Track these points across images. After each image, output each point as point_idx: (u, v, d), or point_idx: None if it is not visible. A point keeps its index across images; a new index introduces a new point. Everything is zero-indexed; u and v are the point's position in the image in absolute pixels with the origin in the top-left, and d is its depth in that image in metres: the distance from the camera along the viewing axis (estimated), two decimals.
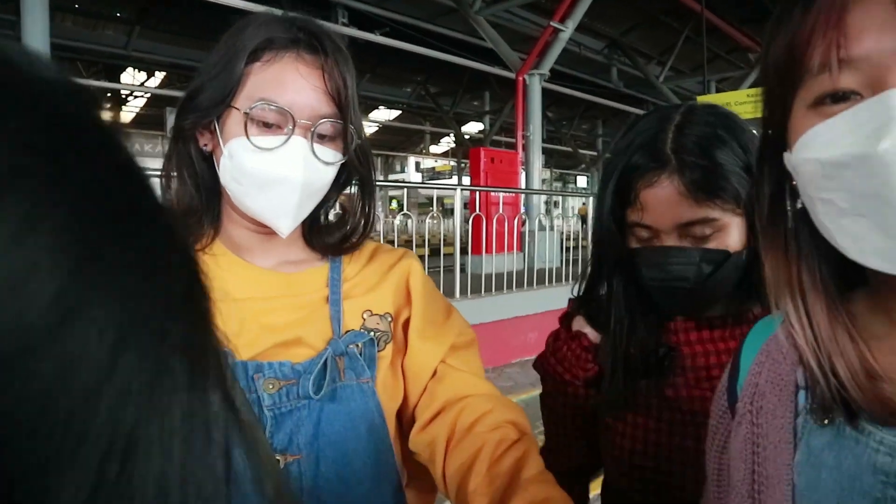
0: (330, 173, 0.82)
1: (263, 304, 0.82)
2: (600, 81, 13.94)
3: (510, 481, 0.77)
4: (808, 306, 0.52)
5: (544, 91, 9.13)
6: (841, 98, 0.46)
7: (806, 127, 0.48)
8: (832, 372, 0.50)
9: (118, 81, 16.68)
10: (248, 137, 0.77)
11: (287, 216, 0.80)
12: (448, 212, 11.76)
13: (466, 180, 16.25)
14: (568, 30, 8.31)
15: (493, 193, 7.12)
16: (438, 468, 0.84)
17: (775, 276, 0.53)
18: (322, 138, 0.80)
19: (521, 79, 8.69)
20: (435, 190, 16.08)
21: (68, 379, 0.22)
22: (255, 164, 0.77)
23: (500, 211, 6.18)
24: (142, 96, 19.27)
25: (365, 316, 0.86)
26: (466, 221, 6.95)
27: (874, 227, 0.45)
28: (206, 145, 0.83)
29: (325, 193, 0.85)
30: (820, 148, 0.47)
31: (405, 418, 0.90)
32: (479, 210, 6.43)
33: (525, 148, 8.73)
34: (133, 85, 17.50)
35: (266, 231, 0.83)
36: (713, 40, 12.18)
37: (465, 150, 17.60)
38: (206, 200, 0.83)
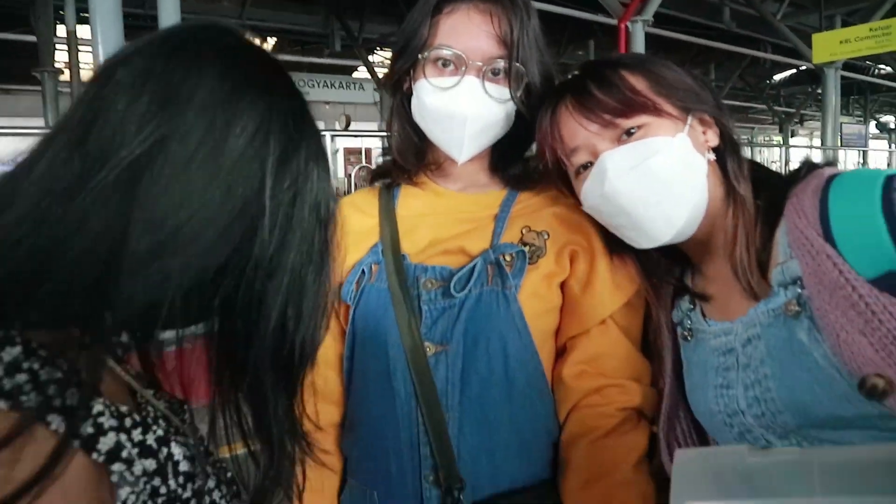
0: (502, 109, 0.94)
1: (437, 218, 1.00)
2: (712, 24, 13.21)
3: (608, 468, 0.91)
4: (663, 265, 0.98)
5: (651, 37, 8.86)
6: (584, 167, 0.89)
7: (579, 188, 0.91)
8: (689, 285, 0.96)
9: None
10: (426, 79, 0.94)
11: (460, 147, 0.94)
12: None
13: None
14: None
15: None
16: (562, 415, 0.97)
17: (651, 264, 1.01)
18: (496, 76, 0.93)
19: (623, 26, 8.47)
20: None
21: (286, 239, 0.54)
22: (433, 101, 0.94)
23: None
24: None
25: (524, 231, 0.97)
26: None
27: (630, 230, 0.88)
28: (410, 92, 1.00)
29: (506, 129, 0.97)
30: (590, 196, 0.88)
31: (560, 338, 0.99)
32: None
33: None
34: None
35: (458, 166, 0.99)
36: None
37: None
38: (418, 138, 1.01)
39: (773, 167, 8.76)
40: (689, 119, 0.85)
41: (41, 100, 10.79)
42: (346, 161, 26.42)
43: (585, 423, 0.93)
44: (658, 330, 0.97)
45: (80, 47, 10.16)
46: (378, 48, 18.04)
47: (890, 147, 24.05)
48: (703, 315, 0.91)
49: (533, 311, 0.94)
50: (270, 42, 17.73)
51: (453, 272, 0.93)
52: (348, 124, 20.71)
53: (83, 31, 10.57)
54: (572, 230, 0.98)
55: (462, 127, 0.92)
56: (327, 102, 20.69)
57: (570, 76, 0.91)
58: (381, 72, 16.91)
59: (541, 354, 0.94)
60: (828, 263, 0.70)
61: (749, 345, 0.80)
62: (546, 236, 0.96)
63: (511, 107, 0.95)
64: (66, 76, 11.21)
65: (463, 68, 0.92)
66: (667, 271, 0.96)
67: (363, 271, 0.97)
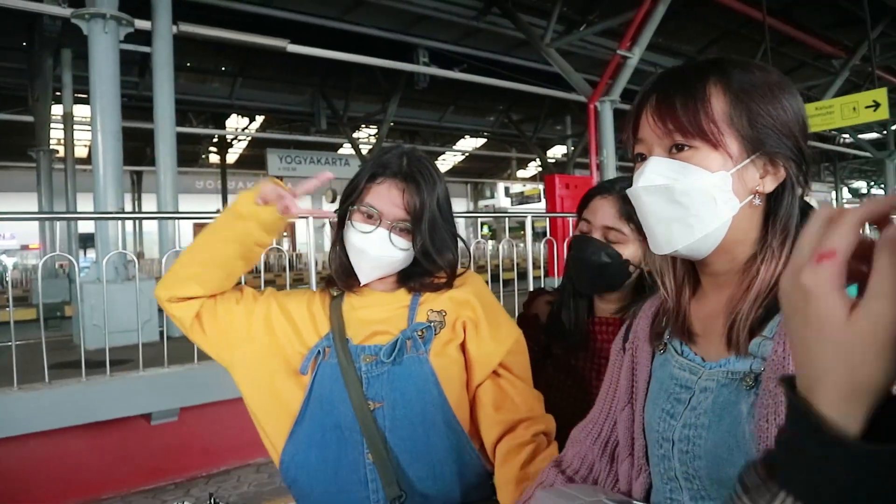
0: (400, 254, 1.27)
1: (367, 310, 1.32)
2: None
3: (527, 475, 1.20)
4: (675, 276, 0.92)
5: (621, 112, 9.36)
6: (641, 157, 0.87)
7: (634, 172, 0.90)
8: (672, 312, 0.91)
9: (223, 127, 18.15)
10: (352, 222, 1.28)
11: (363, 274, 1.28)
12: (539, 235, 12.05)
13: None
14: (635, 56, 8.55)
15: (570, 218, 7.43)
16: (489, 447, 1.26)
17: (659, 261, 0.93)
18: (401, 231, 1.27)
19: (592, 106, 8.98)
20: (528, 215, 16.30)
21: None
22: (354, 239, 1.27)
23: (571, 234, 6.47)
24: (244, 139, 20.74)
25: (428, 313, 1.29)
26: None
27: (645, 229, 0.87)
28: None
29: (405, 264, 1.30)
30: (633, 183, 0.89)
31: (471, 389, 1.28)
32: (554, 234, 6.78)
33: (600, 171, 9.00)
34: (237, 130, 18.92)
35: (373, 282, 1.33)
36: (798, 49, 12.00)
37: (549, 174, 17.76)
38: (341, 278, 1.34)
39: None
40: (749, 159, 0.80)
41: (35, 175, 11.11)
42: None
43: (511, 452, 1.23)
44: (634, 343, 0.99)
45: (74, 127, 10.58)
46: (362, 125, 18.70)
47: None
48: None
49: (440, 367, 1.24)
50: (259, 120, 18.37)
51: (381, 348, 1.25)
52: (334, 199, 21.18)
53: (78, 111, 11.02)
54: (462, 307, 1.30)
55: (368, 261, 1.27)
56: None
57: (677, 67, 0.88)
58: (364, 148, 17.49)
59: (449, 400, 1.23)
60: (788, 363, 0.73)
61: (703, 393, 0.82)
62: (444, 314, 1.29)
63: (408, 253, 1.28)
64: (60, 154, 11.60)
65: (378, 222, 1.26)
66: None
67: (319, 352, 1.27)
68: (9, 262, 17.83)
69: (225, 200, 20.11)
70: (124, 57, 5.58)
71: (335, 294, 1.37)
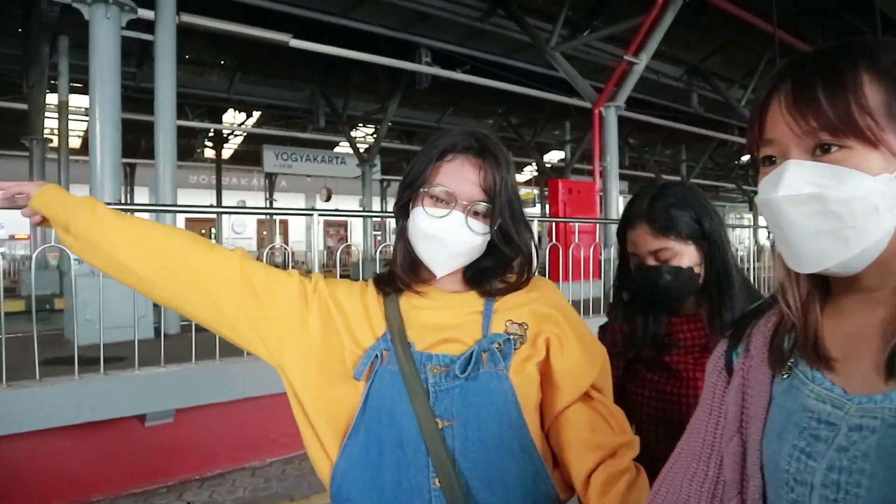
0: (478, 239, 1.13)
1: (433, 312, 1.17)
2: (681, 107, 13.91)
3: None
4: (798, 291, 0.78)
5: (624, 119, 9.30)
6: (770, 161, 0.74)
7: (760, 179, 0.77)
8: (800, 333, 0.76)
9: (220, 122, 17.96)
10: (423, 207, 1.14)
11: (440, 265, 1.14)
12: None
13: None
14: (642, 62, 8.49)
15: (570, 223, 7.36)
16: (580, 475, 1.12)
17: (779, 273, 0.81)
18: (476, 215, 1.13)
19: (597, 111, 8.91)
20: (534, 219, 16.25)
21: None
22: (426, 225, 1.13)
23: (577, 240, 6.40)
24: (240, 134, 20.59)
25: (507, 324, 1.15)
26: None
27: (781, 243, 0.73)
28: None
29: (479, 254, 1.16)
30: (760, 192, 0.76)
31: (552, 412, 1.14)
32: (558, 239, 6.69)
33: (602, 177, 8.93)
34: (233, 124, 18.74)
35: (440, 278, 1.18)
36: None
37: (546, 179, 17.78)
38: (413, 255, 1.19)
39: (745, 245, 9.10)
40: None
41: (28, 165, 10.91)
42: (325, 233, 26.74)
43: (610, 481, 1.08)
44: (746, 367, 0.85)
45: (69, 116, 10.41)
46: (361, 124, 18.57)
47: None
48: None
49: (519, 386, 1.10)
50: (256, 116, 18.20)
51: (454, 359, 1.10)
52: (329, 197, 21.07)
53: (73, 101, 10.83)
54: (545, 321, 1.17)
55: (445, 248, 1.13)
56: (309, 175, 21.08)
57: (810, 53, 0.74)
58: (362, 147, 17.36)
59: (527, 421, 1.10)
60: None
61: (858, 432, 0.67)
62: (525, 327, 1.16)
63: (485, 238, 1.15)
64: (53, 143, 11.40)
65: (453, 204, 1.12)
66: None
67: (376, 356, 1.12)
68: None
69: (219, 195, 19.93)
70: (122, 46, 5.43)
71: (388, 291, 1.21)
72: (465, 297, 1.19)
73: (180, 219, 21.87)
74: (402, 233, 1.20)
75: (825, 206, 0.68)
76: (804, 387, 0.74)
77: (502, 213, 1.14)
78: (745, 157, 23.24)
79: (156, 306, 5.30)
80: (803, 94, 0.69)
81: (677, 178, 21.75)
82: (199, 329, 4.48)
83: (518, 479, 1.09)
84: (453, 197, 1.12)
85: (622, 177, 9.26)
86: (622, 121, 9.25)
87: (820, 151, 0.69)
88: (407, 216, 1.19)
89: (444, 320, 1.16)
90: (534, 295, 1.20)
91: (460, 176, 1.13)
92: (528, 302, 1.19)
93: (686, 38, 11.08)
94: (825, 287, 0.78)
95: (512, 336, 1.14)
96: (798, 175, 0.69)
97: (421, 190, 1.15)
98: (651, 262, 1.38)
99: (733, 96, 13.24)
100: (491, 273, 1.20)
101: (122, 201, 13.37)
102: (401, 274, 1.19)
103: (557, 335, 1.16)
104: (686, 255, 1.36)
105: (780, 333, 0.80)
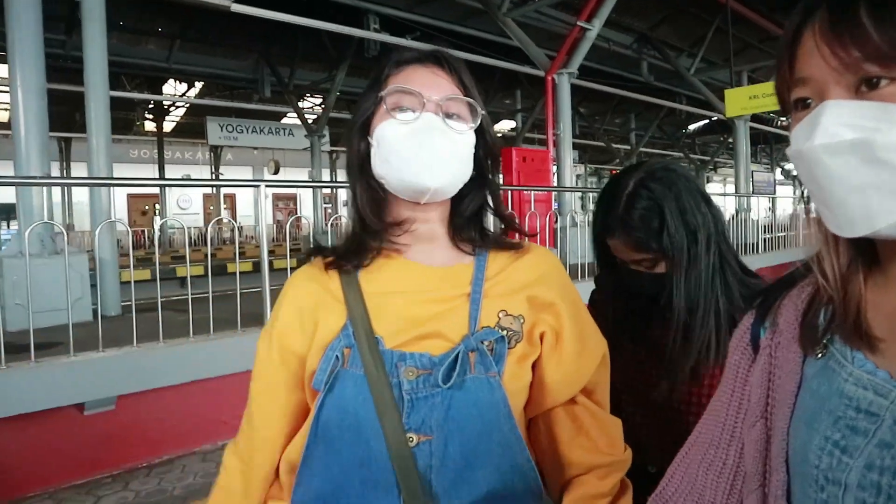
0: (462, 143, 0.94)
1: (407, 297, 0.93)
2: (631, 76, 13.92)
3: None
4: (838, 260, 0.65)
5: (575, 87, 9.22)
6: (804, 103, 0.62)
7: (793, 126, 0.64)
8: (839, 307, 0.65)
9: (160, 93, 17.23)
10: (390, 113, 0.93)
11: (430, 171, 0.91)
12: None
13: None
14: (595, 28, 8.39)
15: (525, 192, 7.27)
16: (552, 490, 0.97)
17: (816, 234, 0.67)
18: (450, 116, 0.93)
19: (550, 78, 8.80)
20: None
21: None
22: (398, 138, 0.91)
23: (532, 209, 6.31)
24: (182, 106, 19.86)
25: (500, 315, 0.93)
26: None
27: (820, 203, 0.61)
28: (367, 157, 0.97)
29: (465, 177, 0.97)
30: (793, 143, 0.62)
31: (534, 409, 0.98)
32: (513, 208, 6.59)
33: (556, 145, 8.85)
34: (174, 96, 18.02)
35: (420, 218, 0.97)
36: (744, 30, 12.08)
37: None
38: (381, 192, 0.97)
39: None
40: None
41: None
42: (275, 207, 26.15)
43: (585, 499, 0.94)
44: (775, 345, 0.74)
45: None
46: (308, 94, 18.08)
47: (794, 193, 25.68)
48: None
49: (511, 392, 0.91)
50: (198, 86, 17.53)
51: (434, 360, 0.89)
52: (277, 170, 20.55)
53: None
54: (543, 311, 0.97)
55: (431, 152, 0.91)
56: (255, 148, 20.50)
57: None
58: (310, 118, 16.91)
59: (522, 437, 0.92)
60: None
61: None
62: (522, 320, 0.94)
63: (469, 150, 0.96)
64: None
65: (420, 107, 0.92)
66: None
67: (336, 357, 0.89)
68: None
69: (162, 169, 19.22)
70: (48, 11, 5.03)
71: (346, 268, 0.97)
72: (447, 271, 0.97)
73: (121, 194, 21.12)
74: (360, 171, 0.98)
75: (874, 154, 0.55)
76: (841, 369, 0.63)
77: (485, 123, 0.97)
78: (693, 126, 23.63)
79: (93, 286, 5.01)
80: (843, 19, 0.57)
81: (646, 152, 21.97)
82: (141, 309, 4.26)
83: (506, 499, 0.90)
84: (420, 96, 0.92)
85: (573, 146, 9.20)
86: (573, 89, 9.16)
87: (866, 87, 0.57)
88: (367, 147, 0.97)
89: (420, 309, 0.93)
90: (533, 274, 1.00)
91: (421, 76, 0.94)
92: (525, 286, 0.98)
93: (637, 6, 11.03)
94: (870, 254, 0.65)
95: (506, 332, 0.93)
96: (838, 118, 0.57)
97: (381, 99, 0.94)
98: (634, 266, 1.30)
99: (682, 65, 13.30)
100: (478, 219, 1.02)
101: (55, 176, 12.71)
102: (369, 220, 0.97)
103: (553, 328, 0.96)
104: (667, 259, 1.26)
105: (814, 307, 0.68)
